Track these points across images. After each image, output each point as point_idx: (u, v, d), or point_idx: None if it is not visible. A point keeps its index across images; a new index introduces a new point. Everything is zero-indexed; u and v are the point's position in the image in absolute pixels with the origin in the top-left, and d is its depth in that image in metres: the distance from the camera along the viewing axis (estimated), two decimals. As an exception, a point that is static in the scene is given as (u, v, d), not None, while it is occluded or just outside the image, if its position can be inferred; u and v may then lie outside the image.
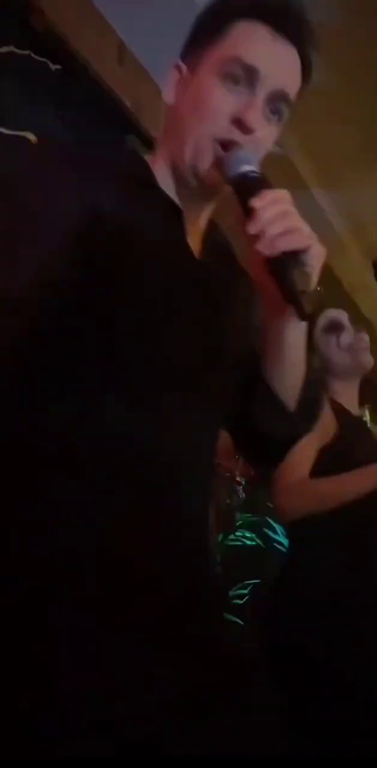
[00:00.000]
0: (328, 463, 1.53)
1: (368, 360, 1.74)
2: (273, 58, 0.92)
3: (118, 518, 0.75)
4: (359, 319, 1.88)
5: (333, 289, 4.35)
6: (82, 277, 0.77)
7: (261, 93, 0.91)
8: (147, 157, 0.98)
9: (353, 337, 1.74)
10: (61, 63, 2.54)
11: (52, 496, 0.74)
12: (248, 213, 0.81)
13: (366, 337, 1.76)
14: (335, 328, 1.76)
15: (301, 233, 0.81)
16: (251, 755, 0.79)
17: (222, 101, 0.90)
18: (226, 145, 0.90)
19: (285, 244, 0.79)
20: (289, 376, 0.93)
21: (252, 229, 0.80)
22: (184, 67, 0.97)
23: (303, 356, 0.94)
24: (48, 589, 0.69)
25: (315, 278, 0.85)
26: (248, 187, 0.86)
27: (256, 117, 0.90)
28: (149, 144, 2.94)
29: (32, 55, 2.45)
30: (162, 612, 0.74)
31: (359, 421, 1.77)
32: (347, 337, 1.74)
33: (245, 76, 0.90)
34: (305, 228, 0.83)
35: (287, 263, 0.80)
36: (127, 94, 2.78)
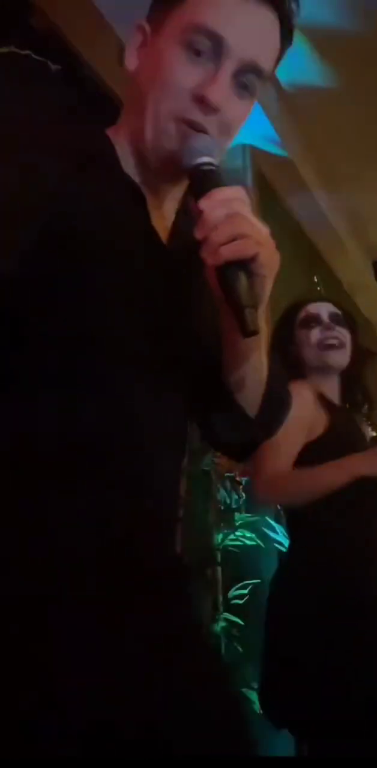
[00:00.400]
0: (319, 456, 1.51)
1: (334, 359, 1.66)
2: (243, 24, 0.78)
3: (94, 510, 0.73)
4: (354, 318, 1.81)
5: (333, 289, 4.36)
6: (32, 257, 0.71)
7: (228, 66, 0.78)
8: (109, 131, 0.89)
9: (323, 334, 1.65)
10: (61, 63, 2.54)
11: (37, 495, 0.72)
12: (198, 214, 0.73)
13: (338, 335, 1.67)
14: (310, 322, 1.69)
15: (248, 240, 0.70)
16: (250, 756, 0.79)
17: (182, 75, 0.78)
18: (191, 124, 0.79)
19: (229, 253, 0.69)
20: (247, 384, 0.85)
21: (198, 233, 0.71)
22: (148, 29, 0.85)
23: (261, 364, 0.86)
24: (46, 585, 0.69)
25: (265, 289, 0.73)
26: (199, 183, 0.77)
27: (221, 94, 0.78)
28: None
29: (32, 55, 2.45)
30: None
31: (347, 413, 1.73)
32: (317, 333, 1.66)
33: (210, 45, 0.77)
34: (255, 232, 0.71)
35: (231, 274, 0.70)
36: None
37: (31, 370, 0.74)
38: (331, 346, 1.65)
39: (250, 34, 0.79)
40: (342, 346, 1.67)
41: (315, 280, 3.87)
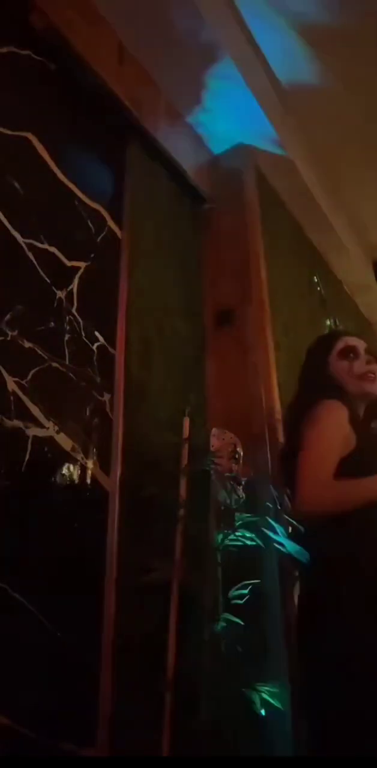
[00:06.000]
0: (348, 472, 1.57)
1: (373, 390, 1.84)
2: None
3: None
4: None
5: (334, 290, 4.36)
6: None
7: None
8: None
9: (366, 367, 1.83)
10: (61, 63, 2.54)
11: None
12: None
13: (375, 369, 1.85)
14: (349, 354, 1.85)
15: None
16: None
17: None
18: None
19: None
20: None
21: None
22: None
23: None
24: None
25: None
26: None
27: None
28: (149, 145, 2.95)
29: (32, 55, 2.45)
30: None
31: (371, 433, 1.85)
32: (359, 366, 1.83)
33: None
34: None
35: None
36: (127, 94, 2.78)
37: None
38: (372, 379, 1.83)
39: None
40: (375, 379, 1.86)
41: (315, 280, 3.87)
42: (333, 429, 1.64)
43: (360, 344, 1.89)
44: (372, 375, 1.83)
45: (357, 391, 1.81)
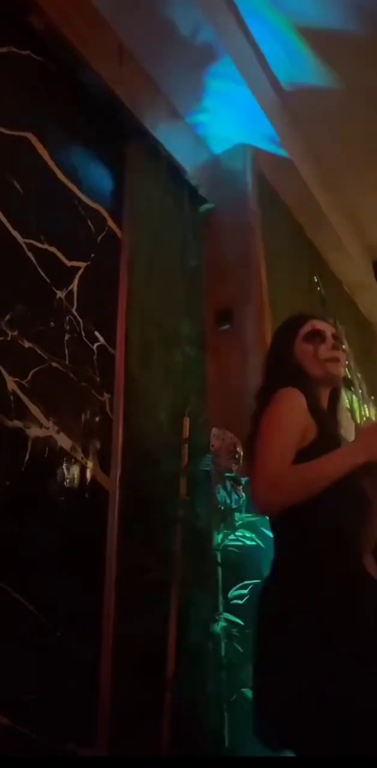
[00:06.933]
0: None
1: (339, 372, 1.79)
2: None
3: None
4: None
5: (334, 290, 4.36)
6: None
7: None
8: None
9: (332, 351, 1.78)
10: (61, 63, 2.54)
11: None
12: None
13: (342, 355, 1.81)
14: (315, 337, 1.80)
15: None
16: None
17: None
18: None
19: None
20: None
21: None
22: None
23: None
24: None
25: None
26: None
27: None
28: (149, 145, 2.95)
29: (32, 55, 2.45)
30: None
31: (332, 418, 1.82)
32: (325, 350, 1.77)
33: None
34: None
35: None
36: (127, 94, 2.78)
37: None
38: (338, 361, 1.78)
39: None
40: (342, 362, 1.82)
41: (315, 280, 3.87)
42: (288, 422, 1.57)
43: (328, 329, 1.84)
44: (337, 360, 1.78)
45: (321, 375, 1.76)
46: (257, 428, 1.61)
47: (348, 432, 1.78)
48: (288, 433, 1.54)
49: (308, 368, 1.76)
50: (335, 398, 1.84)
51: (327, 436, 1.61)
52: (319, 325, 1.83)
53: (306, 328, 1.82)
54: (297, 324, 1.85)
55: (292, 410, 1.57)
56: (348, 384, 1.83)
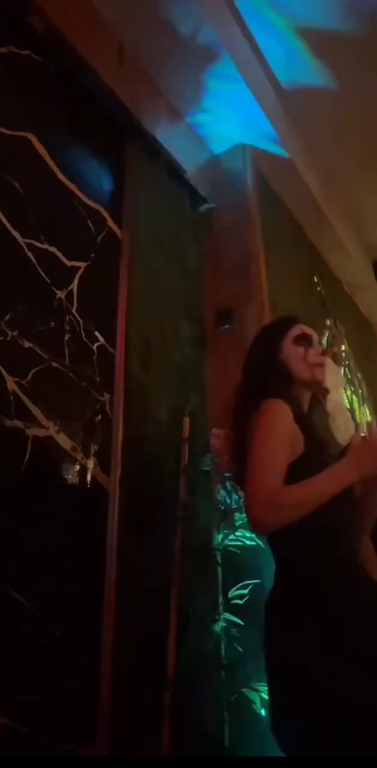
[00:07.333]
0: (299, 478, 1.52)
1: (324, 381, 1.82)
2: None
3: None
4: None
5: (334, 290, 4.36)
6: None
7: None
8: None
9: (318, 358, 1.81)
10: (60, 63, 2.54)
11: None
12: None
13: (328, 361, 1.84)
14: (305, 341, 1.83)
15: None
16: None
17: None
18: None
19: None
20: None
21: None
22: None
23: None
24: None
25: None
26: None
27: None
28: (149, 146, 2.95)
29: (32, 55, 2.45)
30: None
31: (314, 419, 1.86)
32: (313, 354, 1.81)
33: None
34: None
35: None
36: (127, 94, 2.78)
37: None
38: (323, 367, 1.81)
39: None
40: (326, 369, 1.84)
41: (315, 280, 3.86)
42: (278, 436, 1.57)
43: (314, 335, 1.88)
44: (323, 366, 1.81)
45: (308, 378, 1.79)
46: (241, 431, 1.63)
47: (346, 433, 1.78)
48: (278, 450, 1.55)
49: (295, 371, 1.79)
50: (315, 403, 1.87)
51: (314, 445, 1.64)
52: (308, 329, 1.88)
53: (296, 331, 1.85)
54: (285, 326, 1.88)
55: (281, 426, 1.59)
56: (324, 393, 1.86)
